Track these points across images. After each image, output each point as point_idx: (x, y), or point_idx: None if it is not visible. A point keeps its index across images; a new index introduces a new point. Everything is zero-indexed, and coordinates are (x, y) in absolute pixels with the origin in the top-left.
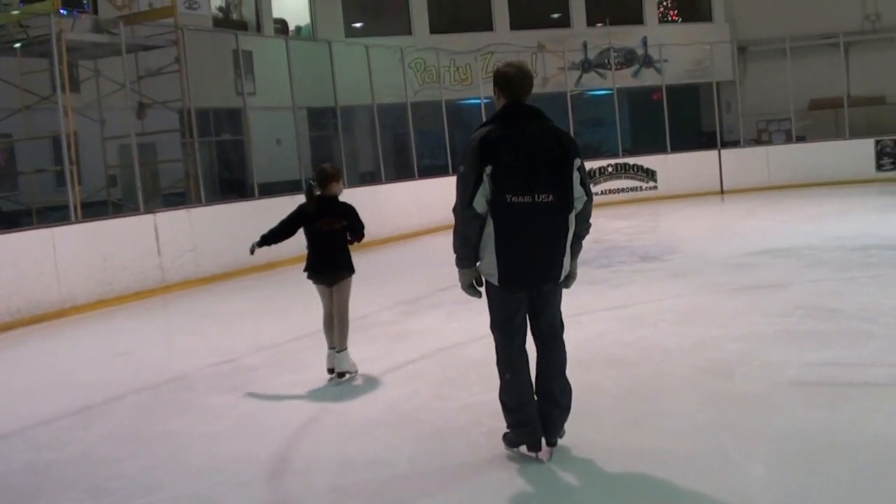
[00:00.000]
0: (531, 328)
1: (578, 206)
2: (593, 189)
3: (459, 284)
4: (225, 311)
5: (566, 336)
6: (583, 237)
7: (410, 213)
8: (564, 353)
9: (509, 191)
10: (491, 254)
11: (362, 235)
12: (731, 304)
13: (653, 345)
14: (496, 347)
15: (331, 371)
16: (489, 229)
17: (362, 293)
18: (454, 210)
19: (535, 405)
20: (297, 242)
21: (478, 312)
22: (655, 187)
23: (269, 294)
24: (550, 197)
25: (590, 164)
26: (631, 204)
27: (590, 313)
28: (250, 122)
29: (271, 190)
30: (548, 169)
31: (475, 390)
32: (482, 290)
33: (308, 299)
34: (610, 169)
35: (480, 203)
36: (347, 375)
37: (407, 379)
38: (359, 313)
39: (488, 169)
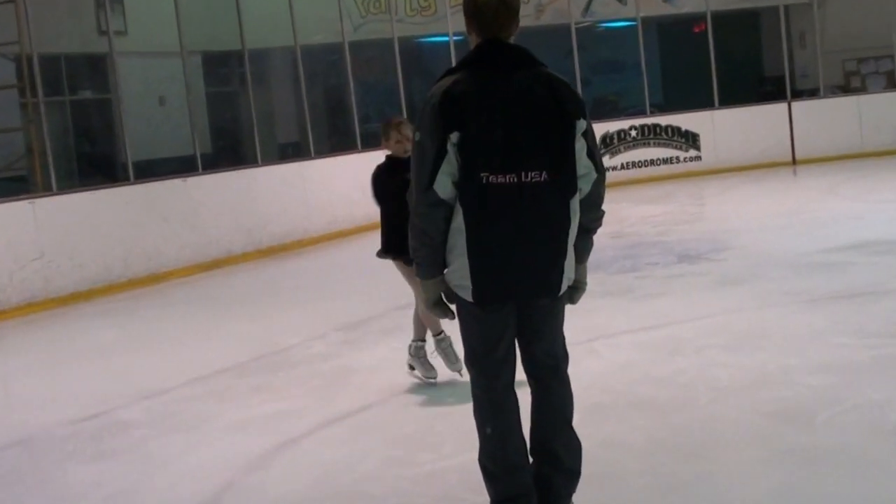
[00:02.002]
0: (522, 361)
1: (585, 187)
2: (608, 162)
3: (423, 302)
4: (88, 344)
5: (573, 371)
6: (593, 231)
7: (352, 200)
8: (570, 394)
9: (485, 167)
10: (461, 256)
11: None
12: (807, 322)
13: (697, 380)
14: (472, 390)
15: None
16: (457, 222)
17: (283, 317)
18: (408, 196)
19: (530, 470)
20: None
21: (456, 339)
22: (699, 157)
23: (152, 319)
24: (544, 175)
25: (604, 127)
26: (664, 181)
27: (608, 337)
28: (120, 73)
29: (153, 170)
30: (539, 135)
31: (445, 451)
32: (453, 314)
33: (209, 326)
34: (634, 133)
35: (444, 185)
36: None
37: (349, 437)
38: (277, 344)
39: (454, 136)
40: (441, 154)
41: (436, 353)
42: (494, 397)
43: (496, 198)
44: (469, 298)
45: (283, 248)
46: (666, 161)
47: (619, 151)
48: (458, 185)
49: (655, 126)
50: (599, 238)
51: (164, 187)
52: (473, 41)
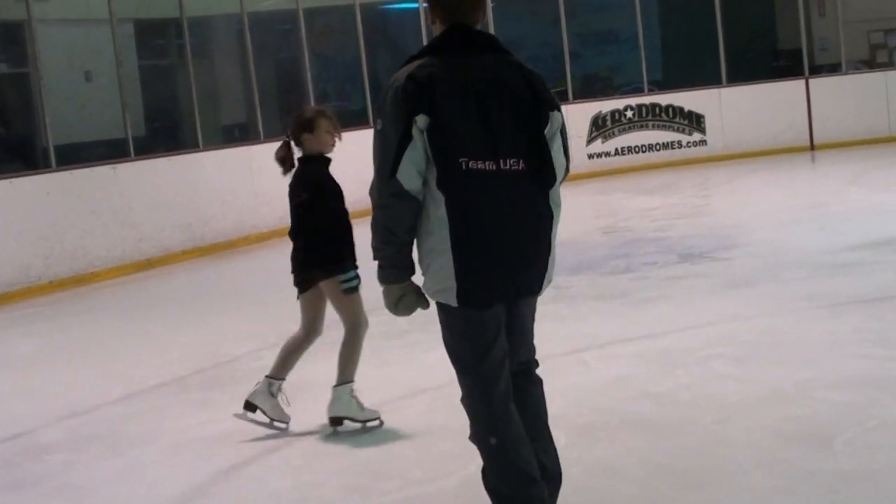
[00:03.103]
0: None
1: (559, 179)
2: (600, 146)
3: (386, 306)
4: (2, 356)
5: (558, 385)
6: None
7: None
8: (543, 398)
9: (465, 152)
10: (441, 255)
11: (328, 237)
12: (826, 330)
13: (701, 397)
14: (468, 403)
15: (332, 422)
16: (440, 211)
17: (228, 324)
18: (370, 192)
19: (543, 483)
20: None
21: (426, 347)
22: (704, 142)
23: (77, 327)
24: (521, 164)
25: (595, 107)
26: (664, 169)
27: (599, 348)
28: (40, 44)
29: (78, 155)
30: (514, 122)
31: (413, 477)
32: (427, 303)
33: (143, 334)
34: (630, 114)
35: (409, 175)
36: (351, 423)
37: (303, 462)
38: (222, 355)
39: (420, 120)
40: (405, 140)
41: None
42: (499, 403)
43: (479, 184)
44: (453, 302)
45: (228, 246)
46: (666, 146)
47: (613, 135)
48: (440, 173)
49: (654, 106)
50: (590, 234)
51: (90, 175)
52: (438, 30)
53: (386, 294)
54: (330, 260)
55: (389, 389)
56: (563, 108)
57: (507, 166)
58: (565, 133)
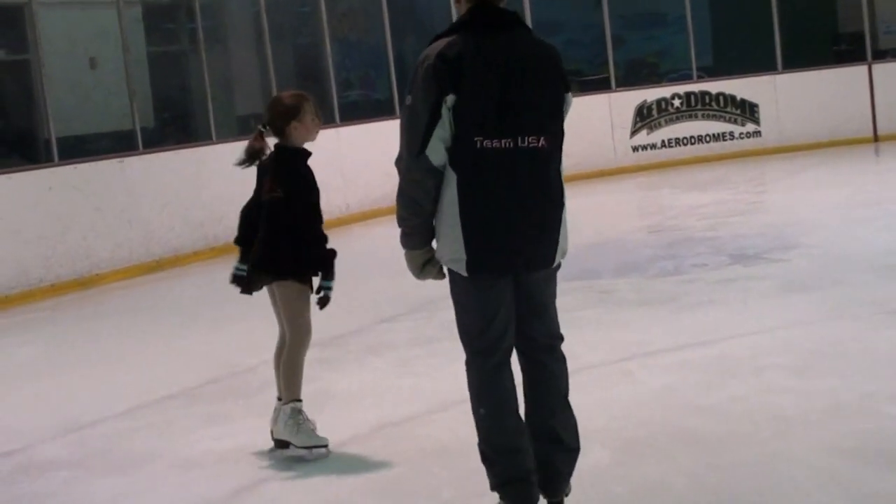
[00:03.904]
0: (516, 340)
1: None
2: (645, 138)
3: (410, 271)
4: (0, 365)
5: (602, 396)
6: None
7: (329, 186)
8: (566, 370)
9: (480, 131)
10: (453, 228)
11: (310, 236)
12: (892, 338)
13: (755, 410)
14: (467, 371)
15: (277, 444)
16: (450, 191)
17: (243, 331)
18: (397, 163)
19: (530, 452)
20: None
21: (456, 356)
22: (758, 133)
23: (80, 334)
24: (542, 141)
25: (640, 96)
26: (715, 163)
27: (646, 356)
28: (41, 28)
29: (83, 149)
30: (537, 98)
31: (444, 497)
32: (444, 274)
33: (151, 342)
34: (677, 103)
35: (437, 151)
36: (294, 450)
37: (323, 481)
38: (237, 365)
39: (449, 100)
40: (435, 118)
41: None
42: (486, 377)
43: (491, 163)
44: (463, 272)
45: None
46: (717, 137)
47: (660, 125)
48: (451, 150)
49: (704, 94)
50: (635, 233)
51: (95, 170)
52: (463, 6)
53: (409, 258)
54: (304, 264)
55: (417, 402)
56: (606, 96)
57: (526, 143)
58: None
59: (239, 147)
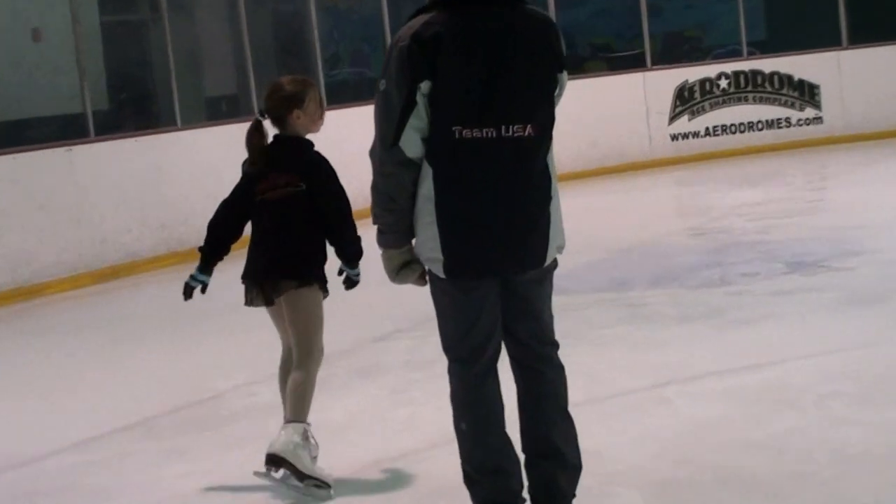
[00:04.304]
0: (507, 347)
1: None
2: (686, 125)
3: (387, 273)
4: None
5: (634, 428)
6: None
7: None
8: (564, 379)
9: (457, 120)
10: (430, 226)
11: (346, 229)
12: None
13: (816, 446)
14: (450, 381)
15: (270, 460)
16: (426, 185)
17: (212, 350)
18: (371, 154)
19: (518, 473)
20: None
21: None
22: (818, 119)
23: (19, 353)
24: (529, 129)
25: (681, 75)
26: (768, 154)
27: (686, 382)
28: None
29: (24, 135)
30: (525, 81)
31: None
32: (425, 280)
33: (104, 363)
34: (724, 84)
35: (413, 142)
36: (283, 474)
37: None
38: (204, 390)
39: (424, 86)
40: (409, 106)
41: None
42: (470, 388)
43: (470, 154)
44: (441, 273)
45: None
46: (770, 125)
47: (703, 110)
48: (428, 141)
49: (756, 74)
50: (673, 237)
51: (38, 160)
52: None
53: (385, 259)
54: (320, 264)
55: (417, 435)
56: (640, 76)
57: (511, 132)
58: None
59: (208, 134)
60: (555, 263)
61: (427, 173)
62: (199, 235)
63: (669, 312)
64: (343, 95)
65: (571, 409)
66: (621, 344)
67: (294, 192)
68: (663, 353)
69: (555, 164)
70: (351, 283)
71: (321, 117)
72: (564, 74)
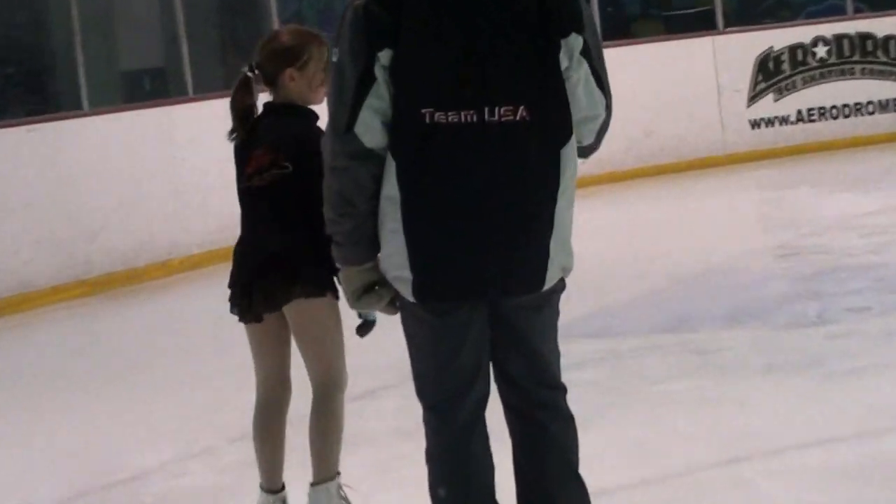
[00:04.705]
0: (499, 390)
1: (587, 135)
2: (771, 107)
3: (346, 297)
4: None
5: None
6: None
7: None
8: (574, 432)
9: (428, 100)
10: (395, 235)
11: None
12: None
13: None
14: (425, 433)
15: None
16: (390, 183)
17: (128, 414)
18: (322, 144)
19: None
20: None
21: None
22: None
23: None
24: (522, 112)
25: (767, 40)
26: (883, 147)
27: (770, 456)
28: None
29: None
30: (514, 53)
31: None
32: (395, 307)
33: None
34: (822, 52)
35: (371, 127)
36: None
37: None
38: (121, 468)
39: (384, 56)
40: (366, 81)
41: None
42: (449, 443)
43: (444, 145)
44: (409, 296)
45: (130, 278)
46: (885, 106)
47: (794, 87)
48: (390, 127)
49: (865, 39)
50: (754, 258)
51: None
52: None
53: (345, 280)
54: (330, 266)
55: None
56: (709, 41)
57: (497, 117)
58: (594, 57)
59: (124, 120)
60: (560, 286)
61: (391, 168)
62: (111, 258)
63: (750, 361)
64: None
65: (616, 493)
66: (685, 404)
67: (281, 176)
68: (742, 415)
69: (576, 161)
70: (366, 325)
71: (323, 84)
72: (576, 36)
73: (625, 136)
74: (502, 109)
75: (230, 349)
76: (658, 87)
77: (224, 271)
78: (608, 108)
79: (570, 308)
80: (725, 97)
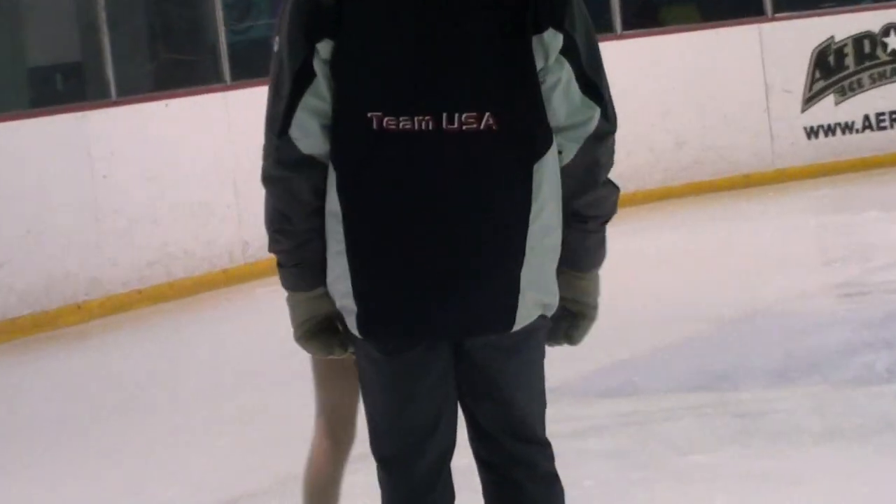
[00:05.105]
0: (469, 439)
1: (571, 145)
2: (832, 112)
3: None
4: None
5: None
6: (596, 221)
7: (213, 206)
8: (558, 499)
9: (376, 103)
10: (338, 258)
11: None
12: None
13: None
14: (380, 488)
15: None
16: (332, 197)
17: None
18: (263, 149)
19: None
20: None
21: None
22: None
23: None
24: (487, 120)
25: (824, 29)
26: None
27: None
28: None
29: None
30: (479, 52)
31: None
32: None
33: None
34: (894, 45)
35: (309, 131)
36: None
37: None
38: None
39: (324, 48)
40: (303, 77)
41: None
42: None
43: (394, 156)
44: (355, 330)
45: (36, 325)
46: None
47: (860, 87)
48: (333, 132)
49: None
50: (812, 298)
51: None
52: None
53: (291, 308)
54: None
55: None
56: (755, 30)
57: (457, 124)
58: (586, 55)
59: (32, 128)
60: (541, 323)
61: (333, 180)
62: (16, 298)
63: (806, 426)
64: (255, 66)
65: None
66: (726, 480)
67: None
68: (796, 495)
69: (556, 178)
70: None
71: None
72: (557, 37)
73: (650, 147)
74: (464, 116)
75: (155, 415)
76: (692, 87)
77: (155, 315)
78: (607, 118)
79: (585, 360)
80: (775, 99)
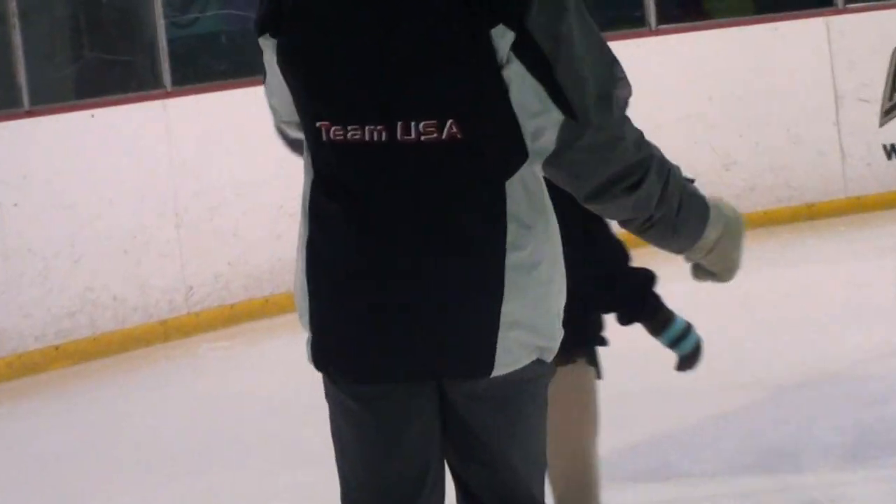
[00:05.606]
0: (457, 500)
1: (536, 155)
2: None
3: None
4: None
5: None
6: (654, 213)
7: (155, 233)
8: None
9: (323, 111)
10: (298, 276)
11: None
12: None
13: None
14: None
15: None
16: (303, 193)
17: None
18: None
19: None
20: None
21: None
22: None
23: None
24: (449, 129)
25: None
26: None
27: None
28: None
29: None
30: (439, 51)
31: None
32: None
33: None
34: None
35: (284, 126)
36: None
37: None
38: None
39: (266, 45)
40: (262, 72)
41: None
42: None
43: (342, 171)
44: (309, 359)
45: None
46: None
47: None
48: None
49: None
50: (890, 357)
51: None
52: None
53: None
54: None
55: None
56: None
57: (413, 134)
58: (551, 57)
59: None
60: (541, 370)
61: (308, 176)
62: None
63: None
64: (206, 64)
65: None
66: None
67: None
68: None
69: (541, 198)
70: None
71: None
72: (507, 34)
73: (691, 168)
74: (422, 125)
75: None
76: (744, 94)
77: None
78: (602, 129)
79: (611, 436)
80: (847, 109)
